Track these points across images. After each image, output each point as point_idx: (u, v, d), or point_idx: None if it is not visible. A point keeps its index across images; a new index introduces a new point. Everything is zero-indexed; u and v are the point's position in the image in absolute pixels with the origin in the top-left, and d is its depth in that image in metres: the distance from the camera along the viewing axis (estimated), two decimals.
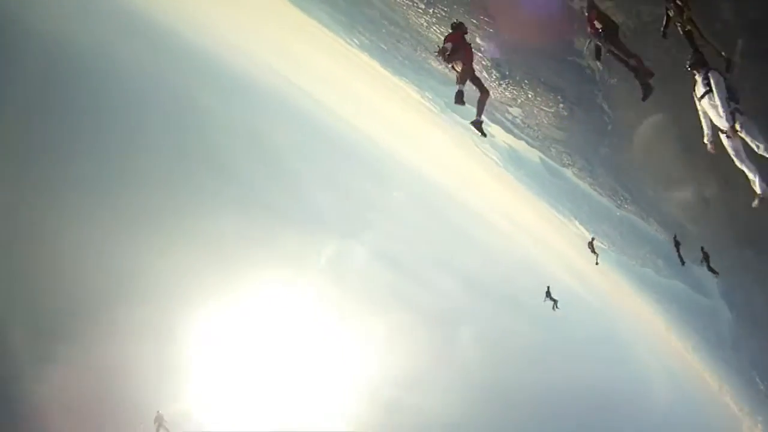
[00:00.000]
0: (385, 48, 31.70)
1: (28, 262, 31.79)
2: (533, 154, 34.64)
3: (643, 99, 10.49)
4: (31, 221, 33.13)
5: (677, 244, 21.50)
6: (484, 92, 9.92)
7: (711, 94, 7.30)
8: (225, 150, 52.58)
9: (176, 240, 39.23)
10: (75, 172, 38.33)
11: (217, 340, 39.05)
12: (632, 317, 54.95)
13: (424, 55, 27.73)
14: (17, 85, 36.25)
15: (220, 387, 37.73)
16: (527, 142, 31.77)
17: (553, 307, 27.14)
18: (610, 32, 9.87)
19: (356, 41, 34.61)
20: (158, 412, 26.81)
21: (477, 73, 10.24)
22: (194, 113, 52.25)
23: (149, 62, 51.99)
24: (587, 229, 41.77)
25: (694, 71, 7.78)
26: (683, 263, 21.49)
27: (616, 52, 9.97)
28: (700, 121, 7.80)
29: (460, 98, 9.49)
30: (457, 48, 9.59)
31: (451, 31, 9.93)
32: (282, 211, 51.32)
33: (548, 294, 27.03)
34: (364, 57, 37.44)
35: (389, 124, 66.08)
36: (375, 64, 37.82)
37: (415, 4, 21.96)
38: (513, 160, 42.62)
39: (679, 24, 8.97)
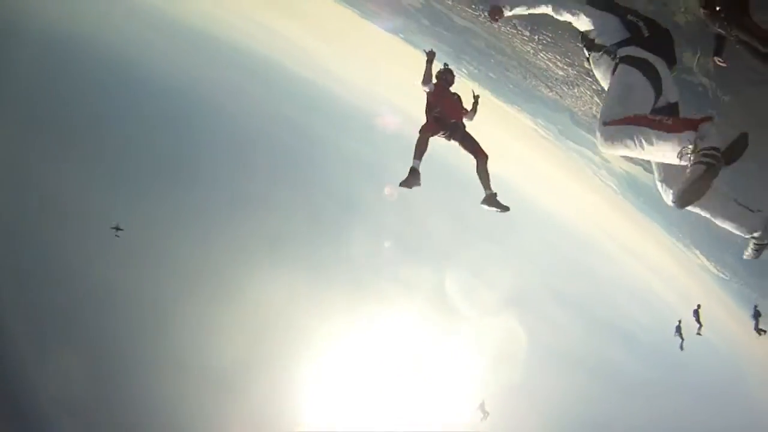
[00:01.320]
0: (494, 77, 32.14)
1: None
2: (650, 179, 33.51)
3: None
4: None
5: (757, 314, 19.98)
6: (481, 156, 7.55)
7: None
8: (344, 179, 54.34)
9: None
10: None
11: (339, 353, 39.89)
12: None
13: (534, 82, 27.91)
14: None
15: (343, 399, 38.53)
16: (644, 167, 30.93)
17: (681, 346, 25.33)
18: (733, 9, 6.84)
19: (464, 71, 35.29)
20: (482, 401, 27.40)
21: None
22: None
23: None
24: (708, 259, 39.70)
25: None
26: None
27: (744, 37, 7.02)
28: None
29: (414, 179, 6.87)
30: (438, 108, 7.74)
31: (427, 83, 7.90)
32: (398, 238, 52.29)
33: (678, 330, 25.05)
34: (475, 86, 37.95)
35: (503, 152, 65.87)
36: (486, 93, 38.31)
37: (519, 32, 22.25)
38: (631, 187, 41.37)
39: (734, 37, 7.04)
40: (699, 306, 24.49)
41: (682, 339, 24.57)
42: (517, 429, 42.09)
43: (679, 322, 25.00)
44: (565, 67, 22.88)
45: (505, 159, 68.51)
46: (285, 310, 38.18)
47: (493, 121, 50.48)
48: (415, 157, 7.04)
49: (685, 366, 38.92)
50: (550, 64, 23.58)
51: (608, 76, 4.67)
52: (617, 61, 4.54)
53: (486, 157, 7.54)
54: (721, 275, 41.99)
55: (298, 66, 64.25)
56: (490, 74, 32.37)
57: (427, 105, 7.89)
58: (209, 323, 33.53)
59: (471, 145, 7.72)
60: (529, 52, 23.82)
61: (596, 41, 4.82)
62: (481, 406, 26.87)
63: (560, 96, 27.16)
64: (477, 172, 7.46)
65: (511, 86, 32.36)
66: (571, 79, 23.85)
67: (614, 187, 46.59)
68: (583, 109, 26.75)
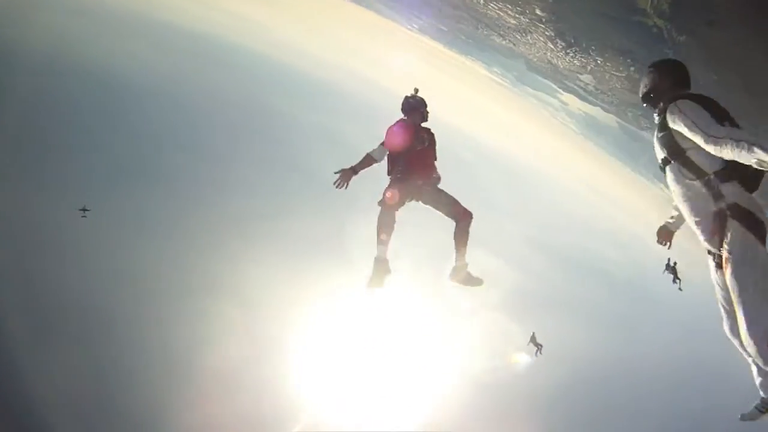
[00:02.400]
0: (446, 29, 31.68)
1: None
2: (610, 119, 33.73)
3: None
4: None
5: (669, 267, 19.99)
6: (463, 217, 6.04)
7: None
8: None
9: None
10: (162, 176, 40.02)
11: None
12: None
13: (486, 32, 27.53)
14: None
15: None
16: (603, 108, 31.05)
17: (675, 281, 23.95)
18: None
19: (415, 26, 34.73)
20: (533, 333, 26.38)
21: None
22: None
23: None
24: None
25: None
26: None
27: None
28: None
29: (382, 273, 5.82)
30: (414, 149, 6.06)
31: (404, 111, 6.24)
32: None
33: (671, 268, 23.71)
34: (426, 39, 37.48)
35: (462, 104, 65.61)
36: (439, 46, 37.77)
37: None
38: (591, 126, 41.60)
39: None
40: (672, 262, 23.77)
41: (679, 279, 23.48)
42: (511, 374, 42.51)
43: (669, 260, 23.98)
44: (517, 15, 22.52)
45: (464, 109, 68.51)
46: (281, 306, 37.66)
47: (449, 71, 50.03)
48: (379, 243, 5.73)
49: (665, 299, 39.67)
50: (501, 14, 23.25)
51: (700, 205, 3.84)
52: (726, 210, 3.69)
53: (470, 217, 6.03)
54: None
55: (254, 43, 62.61)
56: (441, 27, 31.87)
57: (388, 162, 6.08)
58: (204, 320, 33.13)
59: (449, 205, 6.09)
60: (479, 2, 23.40)
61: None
62: (533, 339, 25.98)
63: (514, 44, 26.94)
64: (455, 236, 6.02)
65: (463, 37, 31.90)
66: (523, 26, 23.52)
67: (574, 128, 46.84)
68: (537, 55, 26.60)
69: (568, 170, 69.43)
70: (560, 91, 34.04)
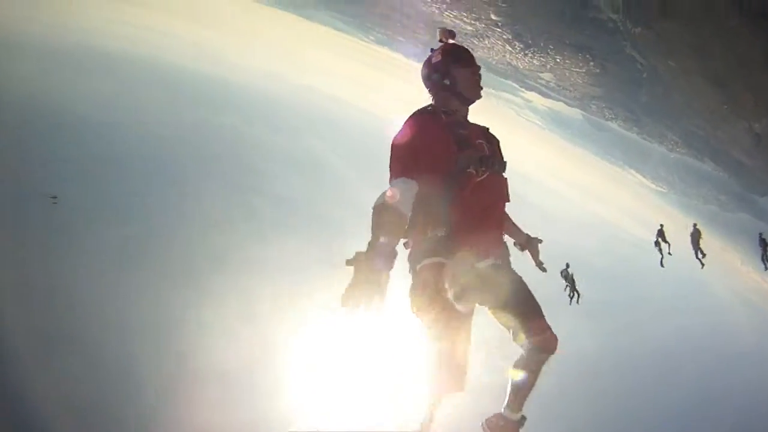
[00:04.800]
0: (404, 39, 31.93)
1: None
2: (575, 113, 34.18)
3: None
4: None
5: (764, 243, 20.29)
6: (544, 341, 2.85)
7: None
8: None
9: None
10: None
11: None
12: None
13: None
14: None
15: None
16: (566, 103, 31.41)
17: (667, 251, 21.13)
18: None
19: (372, 38, 34.92)
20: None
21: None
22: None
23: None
24: (644, 176, 40.75)
25: None
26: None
27: None
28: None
29: None
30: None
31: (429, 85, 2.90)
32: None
33: (661, 236, 21.53)
34: (385, 51, 37.71)
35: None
36: (398, 56, 37.99)
37: None
38: (556, 121, 42.09)
39: None
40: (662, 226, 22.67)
41: (668, 243, 21.96)
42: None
43: (662, 226, 22.56)
44: (473, 21, 22.75)
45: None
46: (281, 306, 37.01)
47: (405, 78, 50.34)
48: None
49: (647, 282, 40.06)
50: (457, 21, 23.43)
51: None
52: None
53: (554, 346, 2.86)
54: (659, 189, 43.46)
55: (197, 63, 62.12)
56: (399, 38, 32.07)
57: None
58: (205, 322, 32.59)
59: (524, 313, 2.87)
60: (434, 12, 23.56)
61: None
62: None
63: (472, 48, 26.82)
64: (519, 367, 2.99)
65: (421, 46, 32.14)
66: (480, 32, 23.74)
67: (539, 123, 47.29)
68: (496, 58, 26.78)
69: (539, 164, 70.05)
70: (522, 89, 34.40)
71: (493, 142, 2.92)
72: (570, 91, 27.39)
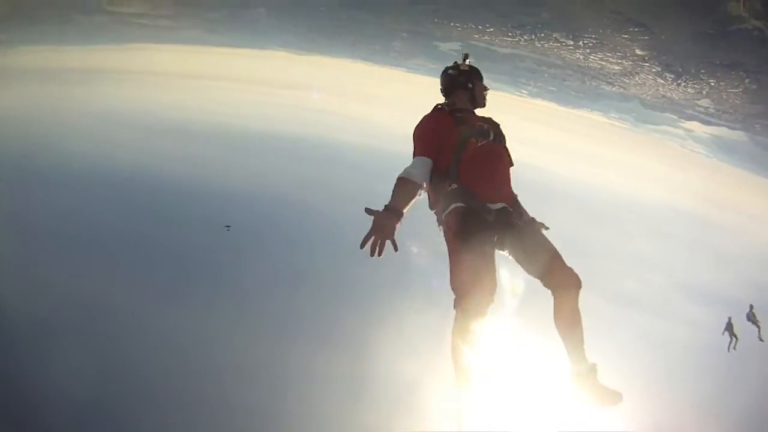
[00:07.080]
0: (555, 89, 32.80)
1: None
2: (739, 136, 33.00)
3: None
4: None
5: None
6: (566, 281, 3.45)
7: None
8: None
9: None
10: None
11: None
12: None
13: (594, 83, 28.60)
14: None
15: None
16: (728, 127, 30.50)
17: (733, 345, 21.84)
18: None
19: (524, 92, 36.02)
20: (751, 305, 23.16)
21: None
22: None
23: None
24: None
25: None
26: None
27: None
28: None
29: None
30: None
31: (444, 90, 4.12)
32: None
33: (729, 329, 21.82)
34: (538, 101, 39.12)
35: (592, 159, 65.17)
36: (553, 105, 39.00)
37: (563, 44, 23.29)
38: (721, 148, 40.43)
39: None
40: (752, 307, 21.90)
41: (735, 337, 21.41)
42: None
43: (729, 319, 22.06)
44: (619, 60, 23.31)
45: (588, 162, 67.44)
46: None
47: (567, 128, 50.76)
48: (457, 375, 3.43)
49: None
50: (604, 63, 24.10)
51: None
52: None
53: (577, 284, 3.39)
54: None
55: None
56: (550, 88, 33.07)
57: (431, 183, 3.67)
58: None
59: (543, 258, 3.47)
60: (579, 58, 24.47)
61: None
62: (729, 327, 21.73)
63: (624, 88, 27.40)
64: (556, 319, 3.43)
65: (573, 93, 32.81)
66: (628, 70, 24.22)
67: (704, 152, 45.48)
68: (649, 93, 26.95)
69: (710, 200, 65.79)
70: (682, 120, 33.76)
71: (493, 124, 3.90)
72: (731, 113, 26.78)
